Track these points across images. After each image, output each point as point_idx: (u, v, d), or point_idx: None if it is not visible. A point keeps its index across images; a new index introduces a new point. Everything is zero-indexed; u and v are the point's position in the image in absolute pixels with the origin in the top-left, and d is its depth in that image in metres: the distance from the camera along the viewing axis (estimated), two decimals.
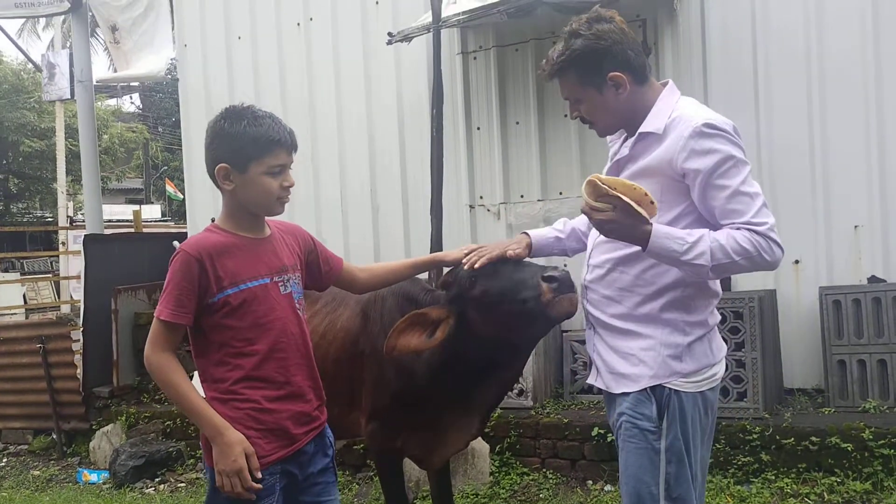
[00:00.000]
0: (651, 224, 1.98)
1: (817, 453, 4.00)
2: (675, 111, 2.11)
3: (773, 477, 4.02)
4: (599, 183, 1.96)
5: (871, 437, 3.89)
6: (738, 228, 1.99)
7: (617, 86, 2.12)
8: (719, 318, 2.25)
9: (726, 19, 4.93)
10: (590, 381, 2.35)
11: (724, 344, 2.27)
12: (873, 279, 4.50)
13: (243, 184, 2.08)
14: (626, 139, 2.25)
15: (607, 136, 2.35)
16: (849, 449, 3.92)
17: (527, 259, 2.47)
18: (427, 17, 5.13)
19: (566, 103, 2.38)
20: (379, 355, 2.76)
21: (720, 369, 2.20)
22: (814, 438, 4.01)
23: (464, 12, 4.93)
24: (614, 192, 1.95)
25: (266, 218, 2.23)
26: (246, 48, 6.63)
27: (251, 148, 2.07)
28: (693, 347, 2.12)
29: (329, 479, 2.28)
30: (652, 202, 1.95)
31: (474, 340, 2.51)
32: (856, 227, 4.60)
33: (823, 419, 4.18)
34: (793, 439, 4.05)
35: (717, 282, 2.19)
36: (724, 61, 4.89)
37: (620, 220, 1.97)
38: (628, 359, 2.15)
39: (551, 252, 2.59)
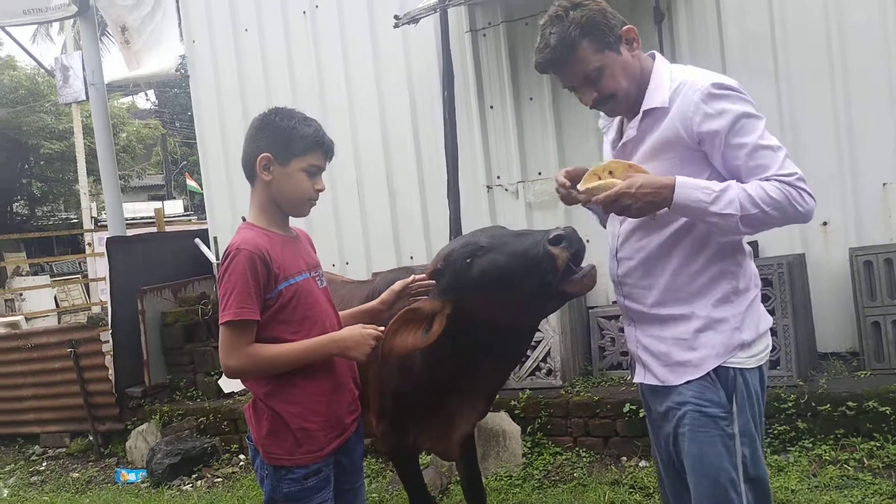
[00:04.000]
0: (673, 176, 1.91)
1: (854, 418, 3.93)
2: (674, 80, 2.04)
3: (811, 445, 3.96)
4: (593, 175, 1.96)
5: None
6: (766, 180, 1.91)
7: (630, 41, 2.05)
8: (760, 282, 2.16)
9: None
10: (637, 379, 2.25)
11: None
12: None
13: (281, 176, 2.15)
14: (622, 123, 2.18)
15: (601, 123, 2.29)
16: (887, 412, 3.84)
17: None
18: None
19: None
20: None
21: (770, 341, 2.13)
22: (850, 403, 3.93)
23: None
24: (604, 174, 1.93)
25: None
26: (253, 40, 6.60)
27: (297, 143, 2.15)
28: (749, 313, 2.05)
29: (362, 464, 2.40)
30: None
31: (475, 329, 2.40)
32: (884, 184, 4.48)
33: (859, 383, 4.10)
34: (829, 405, 3.98)
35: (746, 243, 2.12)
36: (739, 25, 4.76)
37: (641, 178, 1.91)
38: (686, 345, 2.05)
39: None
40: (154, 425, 5.89)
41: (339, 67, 6.15)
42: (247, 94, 6.63)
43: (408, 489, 3.14)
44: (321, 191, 2.22)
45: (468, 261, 2.31)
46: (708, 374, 2.02)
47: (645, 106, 2.05)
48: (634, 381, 2.27)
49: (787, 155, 1.95)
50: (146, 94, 28.18)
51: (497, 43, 5.51)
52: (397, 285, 2.40)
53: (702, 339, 2.02)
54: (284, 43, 6.43)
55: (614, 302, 5.19)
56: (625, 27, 2.04)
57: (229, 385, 6.01)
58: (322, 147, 2.19)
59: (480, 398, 2.93)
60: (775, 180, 1.91)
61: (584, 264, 2.20)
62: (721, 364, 2.01)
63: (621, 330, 4.89)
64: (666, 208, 1.93)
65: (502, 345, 2.55)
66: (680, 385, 2.05)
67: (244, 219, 2.25)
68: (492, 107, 5.60)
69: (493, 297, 2.29)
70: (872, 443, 3.84)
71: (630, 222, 2.12)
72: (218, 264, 2.14)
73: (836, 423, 3.96)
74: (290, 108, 2.23)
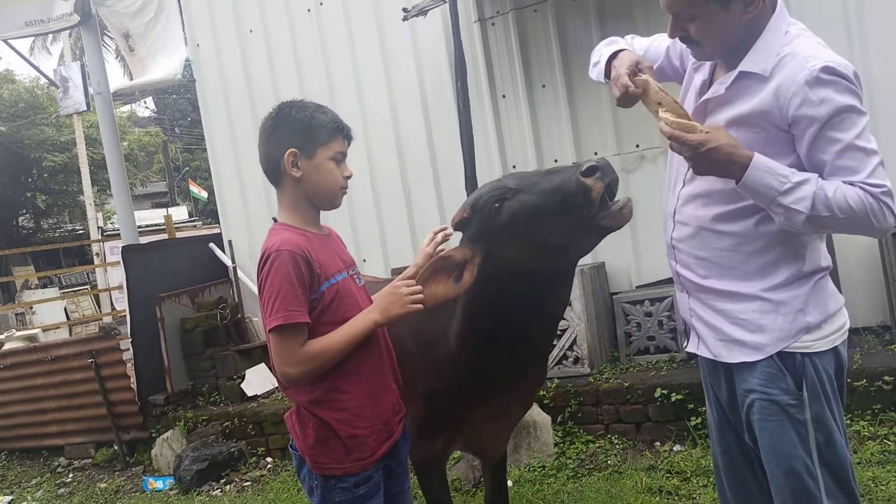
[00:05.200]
0: (752, 153, 1.78)
1: (892, 392, 3.89)
2: (784, 47, 1.84)
3: (849, 421, 3.92)
4: (678, 105, 1.80)
5: None
6: (850, 185, 1.76)
7: (748, 3, 1.83)
8: (830, 260, 2.02)
9: None
10: (690, 349, 2.16)
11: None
12: None
13: (311, 170, 2.07)
14: (714, 70, 2.01)
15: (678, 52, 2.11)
16: None
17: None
18: None
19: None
20: (404, 358, 2.38)
21: (846, 319, 2.00)
22: (887, 378, 3.89)
23: None
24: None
25: None
26: (259, 41, 6.55)
27: (320, 133, 2.07)
28: (814, 295, 1.92)
29: (408, 466, 2.31)
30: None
31: (508, 279, 2.21)
32: None
33: (894, 357, 4.06)
34: (864, 381, 3.93)
35: None
36: None
37: (720, 142, 1.77)
38: (744, 325, 1.94)
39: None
40: (179, 432, 5.86)
41: (348, 65, 6.11)
42: (255, 96, 6.59)
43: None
44: (349, 178, 2.15)
45: (497, 205, 2.15)
46: (773, 359, 1.92)
47: (743, 67, 1.88)
48: (688, 350, 2.19)
49: (882, 163, 1.78)
50: (145, 102, 28.18)
51: (507, 31, 5.46)
52: (420, 257, 2.27)
53: (761, 321, 1.93)
54: (290, 43, 6.38)
55: (637, 287, 5.20)
56: None
57: (252, 388, 5.99)
58: (343, 132, 2.12)
59: (524, 381, 2.62)
60: (860, 187, 1.75)
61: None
62: (785, 349, 1.91)
63: (647, 315, 4.89)
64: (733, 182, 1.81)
65: (540, 297, 2.30)
66: (742, 368, 1.97)
67: (275, 220, 2.15)
68: (504, 96, 5.56)
69: (526, 241, 2.14)
70: None
71: (693, 185, 2.02)
72: (258, 269, 2.02)
73: (872, 399, 3.92)
74: (298, 99, 2.15)
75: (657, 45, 2.29)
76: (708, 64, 2.06)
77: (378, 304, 2.07)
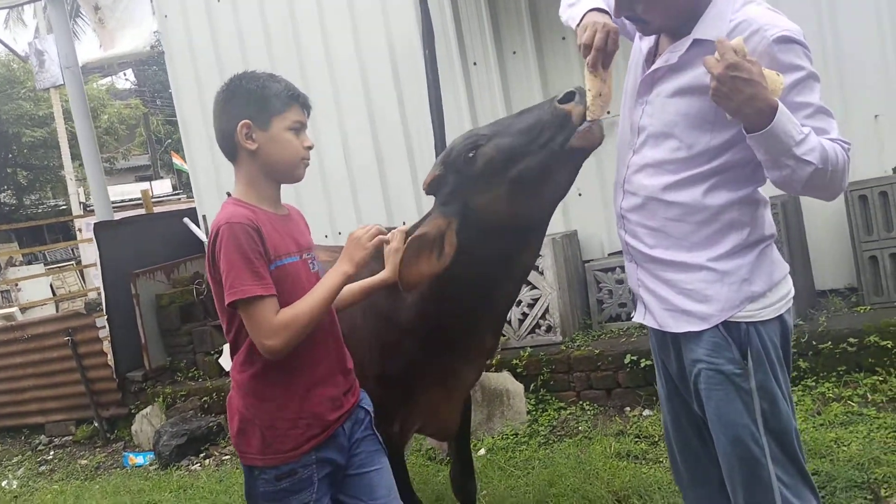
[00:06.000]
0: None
1: (856, 354, 3.93)
2: (735, 14, 1.84)
3: (814, 383, 3.96)
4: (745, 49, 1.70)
5: None
6: (832, 141, 1.75)
7: None
8: (774, 228, 2.02)
9: None
10: (637, 319, 2.16)
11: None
12: None
13: (267, 141, 1.98)
14: (659, 40, 1.99)
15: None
16: (888, 346, 3.83)
17: None
18: None
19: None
20: (352, 335, 2.25)
21: (791, 286, 2.00)
22: (851, 340, 3.92)
23: None
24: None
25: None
26: (227, 11, 6.43)
27: (274, 102, 1.99)
28: (759, 264, 1.93)
29: (371, 448, 2.15)
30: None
31: (485, 232, 2.14)
32: (876, 116, 4.42)
33: (859, 318, 4.09)
34: (830, 343, 3.97)
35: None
36: None
37: (753, 74, 1.66)
38: (690, 295, 1.95)
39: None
40: (158, 408, 5.89)
41: (317, 33, 6.02)
42: (224, 67, 6.49)
43: None
44: (311, 148, 2.05)
45: (471, 154, 2.09)
46: (718, 329, 1.93)
47: (697, 34, 1.86)
48: (634, 320, 2.19)
49: None
50: (124, 75, 27.84)
51: None
52: (387, 251, 2.19)
53: (707, 291, 1.93)
54: (259, 12, 6.27)
55: (610, 254, 5.21)
56: None
57: (230, 362, 5.99)
58: (298, 100, 2.03)
59: (480, 346, 2.55)
60: (839, 145, 1.76)
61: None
62: (731, 318, 1.92)
63: (618, 282, 4.90)
64: (750, 125, 1.73)
65: (511, 256, 2.25)
66: (689, 338, 1.98)
67: (229, 194, 2.07)
68: (475, 63, 5.50)
69: (503, 186, 2.06)
70: (875, 377, 3.84)
71: (642, 154, 2.00)
72: (207, 248, 1.94)
73: (837, 360, 3.96)
74: (251, 70, 2.07)
75: None
76: (652, 38, 2.03)
77: (342, 257, 2.01)
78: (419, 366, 2.41)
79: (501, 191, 2.08)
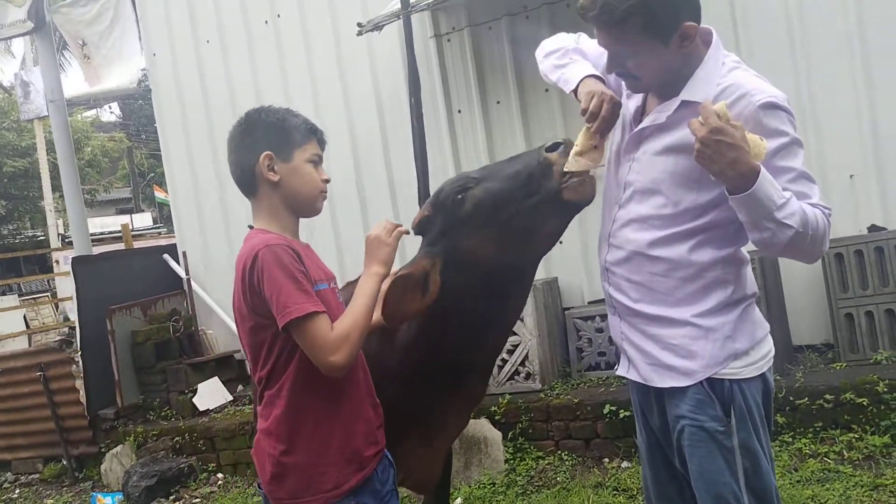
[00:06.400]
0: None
1: (833, 411, 3.94)
2: (723, 78, 1.88)
3: (791, 439, 3.97)
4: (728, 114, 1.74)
5: (885, 389, 3.83)
6: (811, 206, 1.79)
7: (684, 38, 1.85)
8: (756, 287, 2.05)
9: None
10: (620, 372, 2.15)
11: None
12: (873, 228, 4.42)
13: (289, 173, 1.95)
14: (647, 99, 2.03)
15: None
16: (864, 403, 3.86)
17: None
18: (396, 4, 5.01)
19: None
20: None
21: (772, 345, 2.02)
22: (828, 396, 3.94)
23: None
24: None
25: None
26: (215, 51, 6.51)
27: (294, 134, 1.97)
28: (742, 321, 1.95)
29: (395, 492, 2.08)
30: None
31: (472, 275, 2.13)
32: (851, 176, 4.51)
33: (836, 375, 4.12)
34: (807, 398, 3.99)
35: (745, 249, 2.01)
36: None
37: (736, 139, 1.69)
38: (675, 350, 1.95)
39: None
40: (129, 447, 5.78)
41: (305, 77, 6.08)
42: (211, 105, 6.54)
43: None
44: (328, 182, 2.04)
45: (460, 196, 2.10)
46: (702, 385, 1.94)
47: (685, 96, 1.90)
48: (618, 373, 2.19)
49: None
50: (110, 108, 27.84)
51: (462, 47, 5.48)
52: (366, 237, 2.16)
53: (692, 347, 1.94)
54: (247, 53, 6.35)
55: (590, 302, 5.23)
56: (687, 24, 1.83)
57: (204, 402, 5.92)
58: (316, 134, 2.03)
59: (467, 394, 2.51)
60: (820, 210, 1.80)
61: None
62: (714, 375, 1.93)
63: (598, 331, 4.91)
64: (732, 187, 1.76)
65: (502, 298, 2.23)
66: (672, 394, 1.99)
67: (251, 227, 2.00)
68: (459, 111, 5.57)
69: (491, 229, 2.07)
70: (851, 434, 3.86)
71: (628, 209, 2.02)
72: (243, 274, 1.87)
73: (814, 416, 3.98)
74: (268, 104, 2.05)
75: (600, 53, 2.22)
76: (640, 97, 2.08)
77: (369, 261, 1.98)
78: (402, 414, 2.32)
79: (488, 234, 2.09)
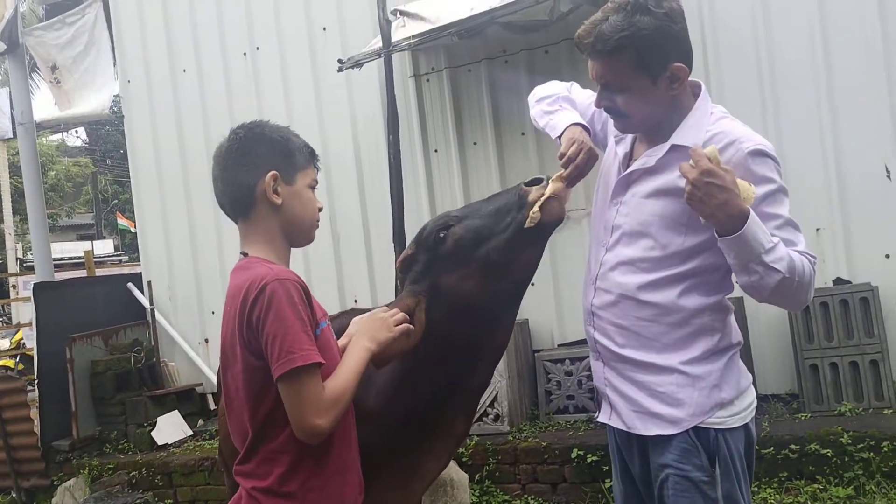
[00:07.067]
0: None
1: (798, 461, 3.98)
2: (712, 126, 1.93)
3: (756, 488, 3.98)
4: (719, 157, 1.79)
5: (849, 441, 3.88)
6: (797, 253, 1.82)
7: (674, 79, 1.88)
8: (741, 336, 2.06)
9: None
10: (602, 419, 2.13)
11: None
12: (839, 281, 4.52)
13: (291, 197, 1.80)
14: (635, 143, 2.07)
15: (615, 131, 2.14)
16: (829, 455, 3.91)
17: None
18: (377, 42, 5.05)
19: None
20: None
21: (754, 396, 2.02)
22: (793, 446, 3.98)
23: (414, 36, 4.86)
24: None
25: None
26: (192, 81, 6.48)
27: (297, 156, 1.83)
28: (728, 370, 1.95)
29: None
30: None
31: (456, 311, 2.11)
32: (817, 229, 4.62)
33: (801, 426, 4.17)
34: (772, 448, 4.02)
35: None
36: None
37: (726, 181, 1.73)
38: (661, 398, 1.94)
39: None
40: (82, 480, 5.60)
41: (282, 110, 6.06)
42: (184, 135, 6.49)
43: None
44: (321, 210, 1.92)
45: (442, 234, 2.10)
46: (688, 434, 1.92)
47: (675, 140, 1.93)
48: (599, 420, 2.17)
49: None
50: (76, 132, 27.52)
51: (441, 88, 5.54)
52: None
53: (679, 394, 1.93)
54: (224, 85, 6.32)
55: (560, 345, 5.24)
56: (676, 64, 1.87)
57: (163, 436, 5.78)
58: (316, 159, 1.89)
59: (449, 432, 2.42)
60: (807, 258, 1.83)
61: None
62: (700, 424, 1.92)
63: (567, 374, 4.92)
64: (718, 229, 1.79)
65: (484, 333, 2.20)
66: (656, 442, 1.97)
67: (245, 254, 1.82)
68: (436, 151, 5.61)
69: (472, 265, 2.07)
70: (816, 485, 3.89)
71: (616, 252, 2.03)
72: (244, 304, 1.67)
73: (780, 466, 4.01)
74: (264, 119, 1.90)
75: (589, 103, 2.31)
76: (629, 137, 2.11)
77: (362, 332, 1.84)
78: (380, 457, 2.22)
79: (470, 270, 2.09)
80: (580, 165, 2.05)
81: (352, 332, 1.91)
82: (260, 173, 1.77)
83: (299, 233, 1.87)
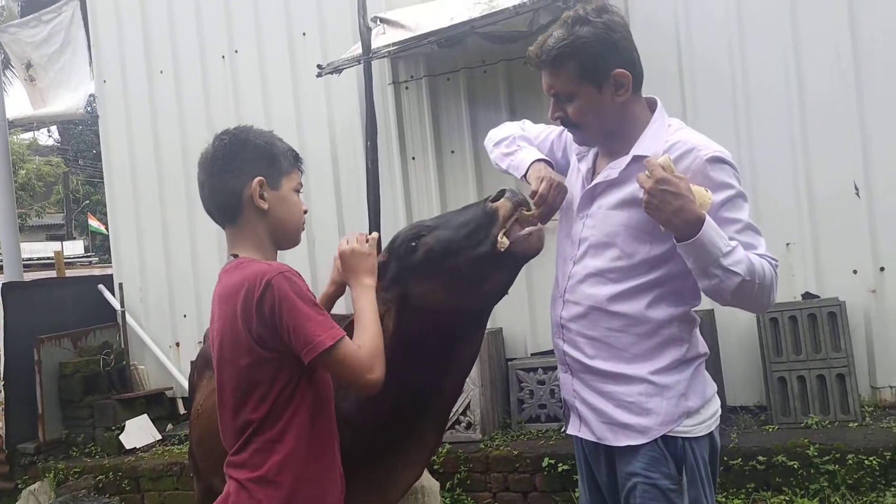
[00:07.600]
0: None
1: (764, 472, 4.04)
2: (671, 136, 2.00)
3: (723, 499, 4.03)
4: (672, 165, 1.84)
5: (815, 453, 3.94)
6: (758, 256, 1.87)
7: (619, 86, 1.95)
8: (707, 347, 2.10)
9: (651, 41, 4.92)
10: (571, 431, 2.16)
11: None
12: (807, 295, 4.60)
13: (278, 202, 1.85)
14: (597, 158, 2.13)
15: (577, 148, 2.20)
16: (795, 466, 3.96)
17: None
18: (357, 49, 5.07)
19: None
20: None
21: (719, 405, 2.07)
22: (760, 458, 4.04)
23: (394, 43, 4.88)
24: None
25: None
26: (169, 82, 6.44)
27: (282, 161, 1.88)
28: (694, 380, 2.00)
29: None
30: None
31: (424, 321, 2.11)
32: (787, 244, 4.70)
33: (768, 437, 4.22)
34: (740, 459, 4.07)
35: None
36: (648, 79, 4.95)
37: (680, 189, 1.79)
38: (630, 408, 1.97)
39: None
40: (48, 484, 5.51)
41: (259, 114, 6.04)
42: (160, 137, 6.45)
43: None
44: (306, 213, 1.98)
45: (413, 244, 2.11)
46: (657, 443, 1.95)
47: (636, 151, 1.99)
48: (568, 432, 2.19)
49: None
50: (48, 131, 27.16)
51: (419, 96, 5.56)
52: (339, 253, 2.07)
53: (647, 404, 1.96)
54: (202, 87, 6.30)
55: (532, 354, 5.27)
56: (617, 70, 1.94)
57: (132, 440, 5.71)
58: (300, 162, 1.94)
59: (430, 432, 2.40)
60: (767, 260, 1.87)
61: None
62: (668, 433, 1.95)
63: (539, 383, 4.94)
64: (675, 235, 1.84)
65: (454, 345, 2.21)
66: (622, 450, 2.00)
67: (236, 256, 1.86)
68: (413, 158, 5.63)
69: (441, 276, 2.07)
70: (782, 496, 3.95)
71: (583, 264, 2.06)
72: (248, 301, 1.71)
73: (747, 478, 4.06)
74: (247, 124, 1.94)
75: (545, 136, 2.41)
76: (591, 153, 2.17)
77: (352, 276, 1.93)
78: (350, 460, 2.26)
79: (438, 281, 2.09)
80: (551, 204, 2.11)
81: (337, 279, 2.05)
82: (246, 179, 1.81)
83: (286, 236, 1.92)
